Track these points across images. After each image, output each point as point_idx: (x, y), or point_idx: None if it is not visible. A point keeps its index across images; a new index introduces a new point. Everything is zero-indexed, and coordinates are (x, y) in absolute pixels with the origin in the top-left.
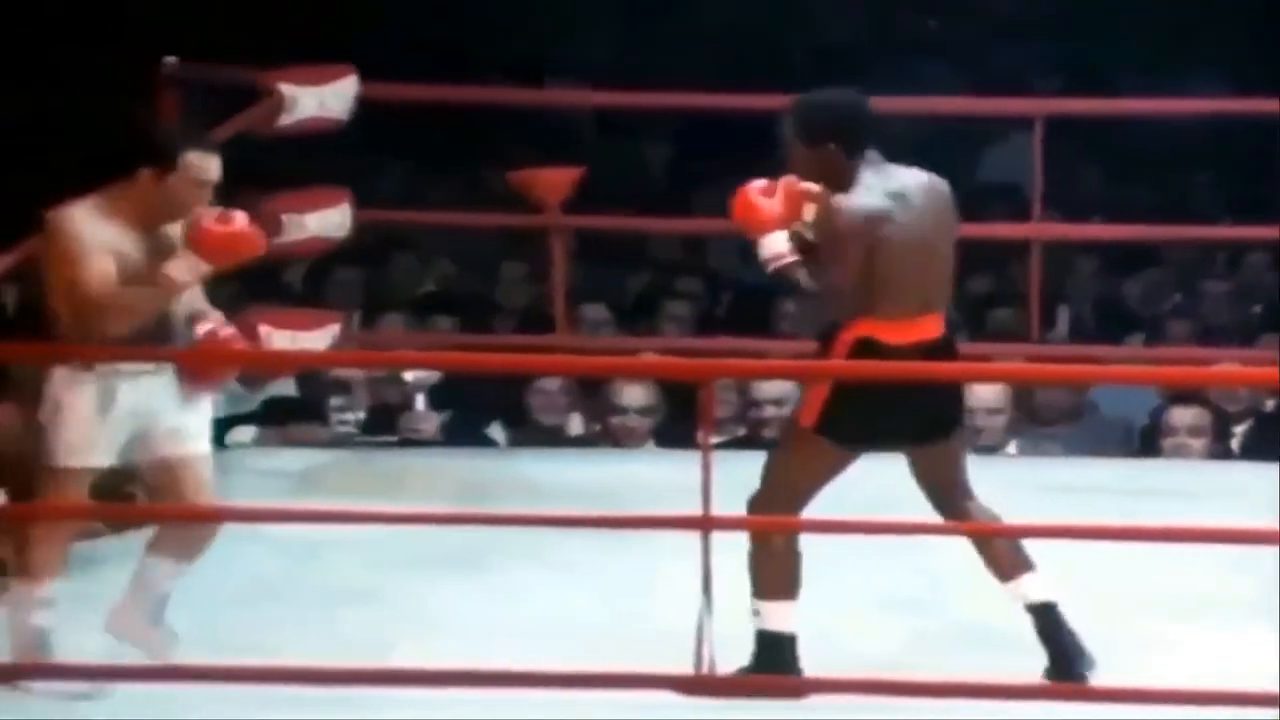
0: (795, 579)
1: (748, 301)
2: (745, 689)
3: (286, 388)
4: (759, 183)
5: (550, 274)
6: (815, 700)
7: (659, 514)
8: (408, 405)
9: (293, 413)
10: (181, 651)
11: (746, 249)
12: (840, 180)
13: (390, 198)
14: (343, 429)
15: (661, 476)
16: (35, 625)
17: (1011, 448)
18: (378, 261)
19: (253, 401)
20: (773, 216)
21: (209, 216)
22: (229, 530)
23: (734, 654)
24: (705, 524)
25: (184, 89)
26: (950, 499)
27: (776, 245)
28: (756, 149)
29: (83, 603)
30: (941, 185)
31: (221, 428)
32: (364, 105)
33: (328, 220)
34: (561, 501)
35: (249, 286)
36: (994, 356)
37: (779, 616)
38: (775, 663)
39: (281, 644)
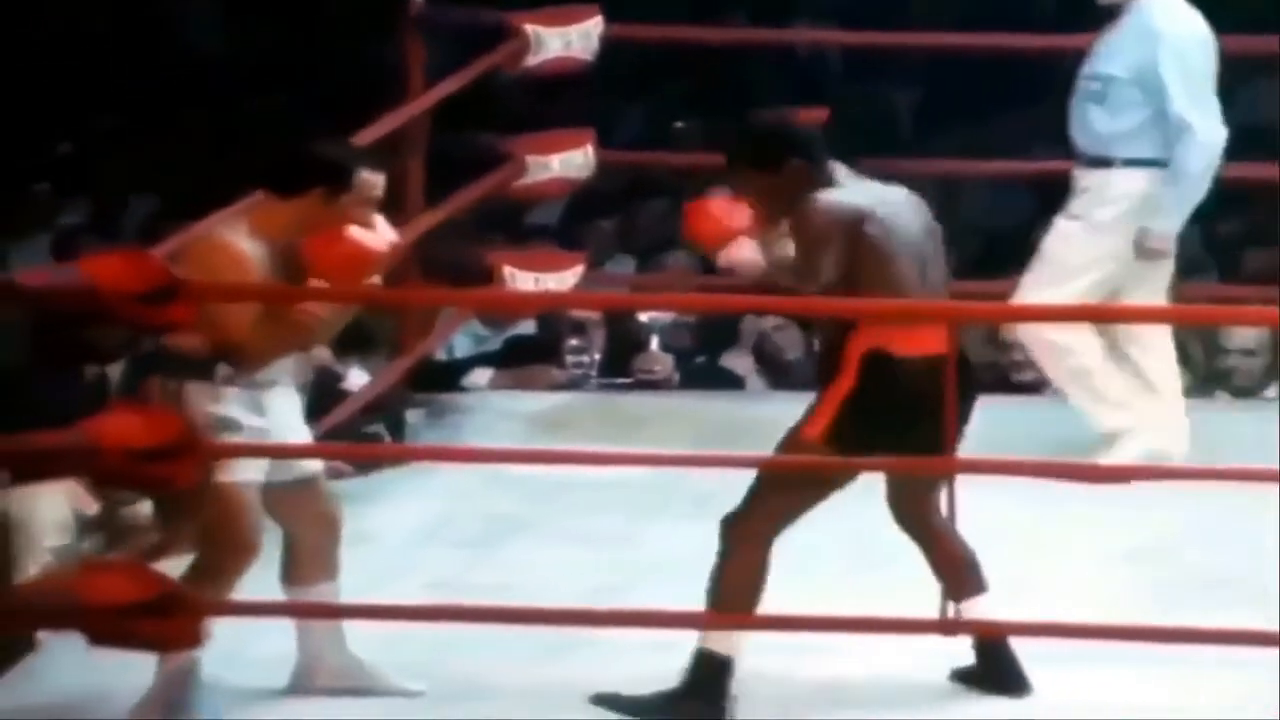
0: (756, 602)
1: (996, 245)
2: (996, 630)
3: (527, 328)
4: (717, 198)
5: None
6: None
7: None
8: (642, 347)
9: (530, 354)
10: (428, 592)
11: (997, 192)
12: (804, 197)
13: (635, 140)
14: (577, 371)
15: None
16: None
17: (1271, 391)
18: (624, 205)
19: (495, 342)
20: (736, 227)
21: (324, 237)
22: (471, 471)
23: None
24: (949, 466)
25: (431, 30)
26: (920, 512)
27: (741, 254)
28: (1005, 91)
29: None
30: (917, 198)
31: (460, 369)
32: (609, 46)
33: (571, 161)
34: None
35: (496, 227)
36: (1247, 299)
37: (724, 638)
38: (703, 684)
39: (522, 585)
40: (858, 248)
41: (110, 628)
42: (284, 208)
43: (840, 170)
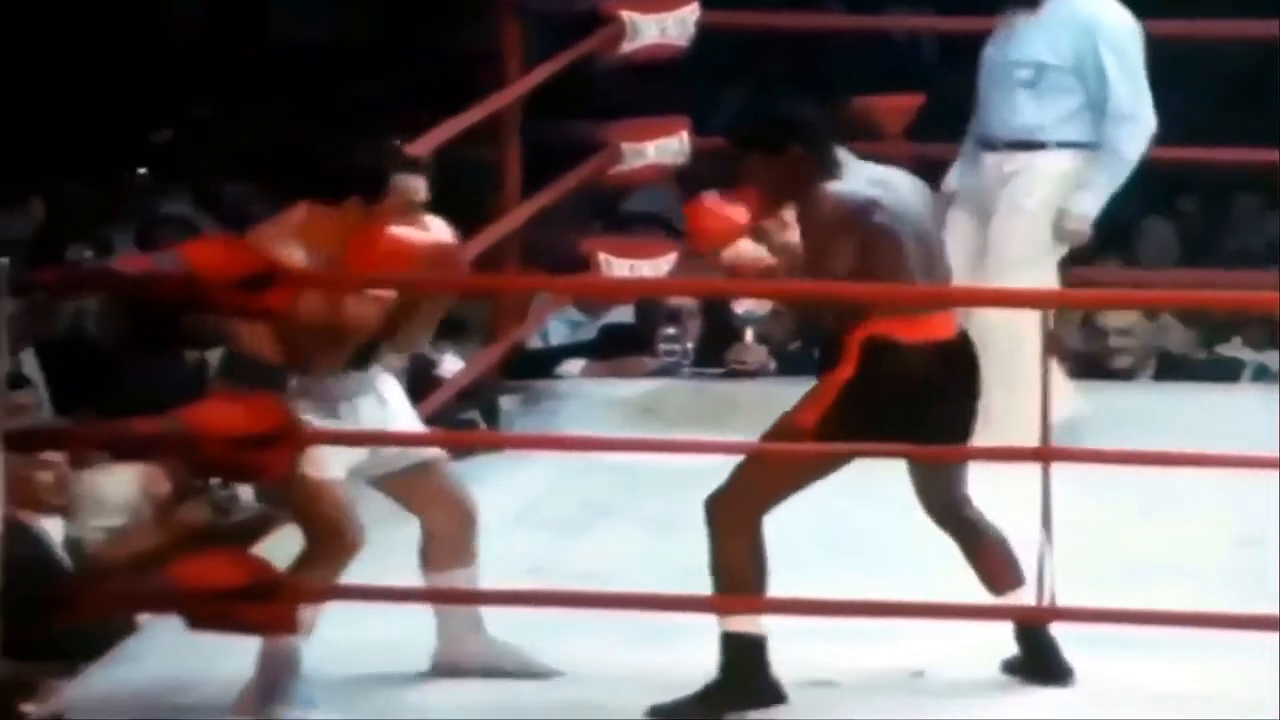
0: (760, 582)
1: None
2: (1089, 618)
3: (624, 315)
4: (712, 195)
5: None
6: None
7: (996, 445)
8: (737, 337)
9: (625, 343)
10: (524, 577)
11: None
12: (812, 184)
13: (732, 126)
14: (669, 360)
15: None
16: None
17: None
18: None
19: (590, 330)
20: (737, 224)
21: (362, 243)
22: (565, 458)
23: (1073, 587)
24: (1044, 455)
25: (526, 16)
26: (949, 503)
27: (748, 251)
28: None
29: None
30: (917, 180)
31: (554, 357)
32: (705, 32)
33: (666, 148)
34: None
35: (593, 214)
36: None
37: (745, 621)
38: (740, 667)
39: (615, 570)
40: (868, 238)
41: (210, 611)
42: (327, 216)
43: (844, 156)
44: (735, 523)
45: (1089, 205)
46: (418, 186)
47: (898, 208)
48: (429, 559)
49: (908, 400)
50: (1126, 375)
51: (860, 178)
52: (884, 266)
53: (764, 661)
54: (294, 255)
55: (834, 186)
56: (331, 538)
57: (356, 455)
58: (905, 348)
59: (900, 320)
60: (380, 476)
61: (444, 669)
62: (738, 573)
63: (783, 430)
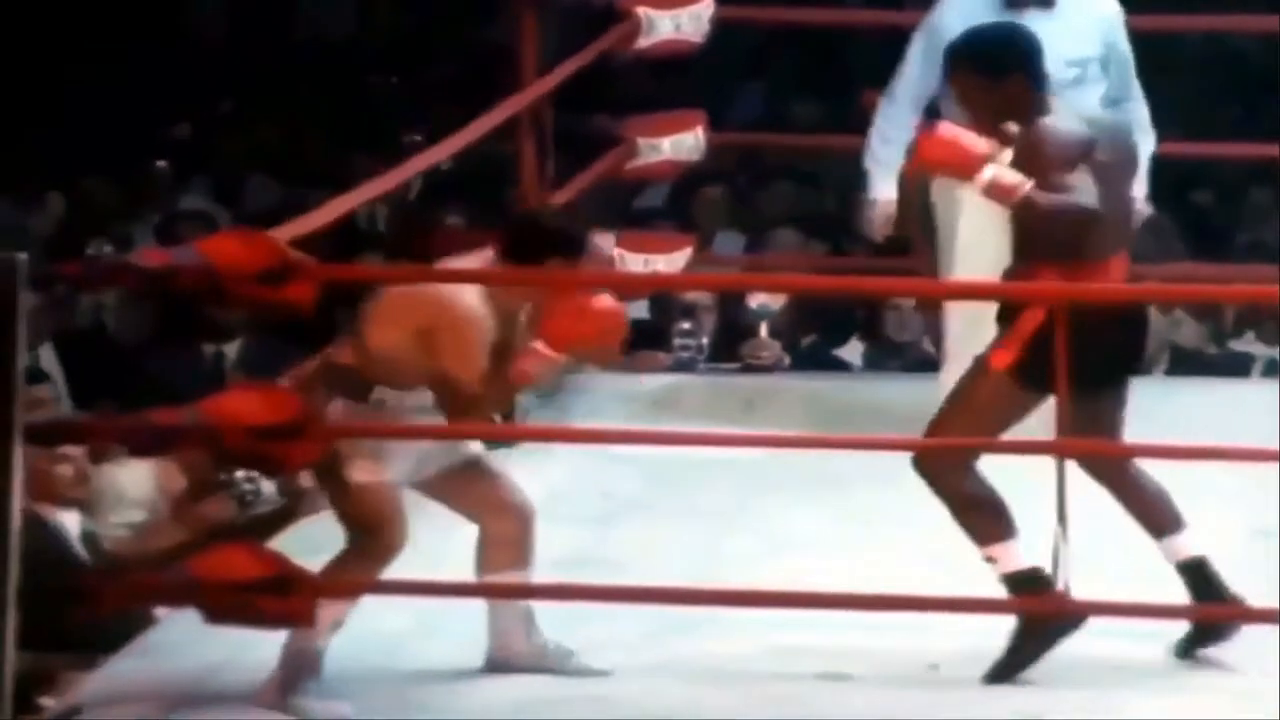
0: (1003, 519)
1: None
2: (1109, 611)
3: (639, 310)
4: (948, 124)
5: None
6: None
7: (1013, 439)
8: (752, 332)
9: (640, 338)
10: (548, 570)
11: None
12: (1029, 116)
13: (749, 121)
14: (684, 355)
15: None
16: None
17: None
18: (739, 184)
19: None
20: (981, 151)
21: (568, 308)
22: (581, 451)
23: (1089, 582)
24: (1060, 449)
25: (542, 11)
26: (1106, 459)
27: (1007, 176)
28: None
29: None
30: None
31: None
32: (721, 28)
33: (682, 143)
34: (907, 425)
35: (606, 209)
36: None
37: (1009, 557)
38: (1034, 591)
39: (638, 562)
40: (1095, 173)
41: (229, 604)
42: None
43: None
44: (944, 470)
45: (1141, 191)
46: (609, 246)
47: (1106, 152)
48: (486, 563)
49: (1093, 339)
50: None
51: (1071, 116)
52: (1106, 200)
53: (1047, 582)
54: (476, 306)
55: (1054, 121)
56: (376, 535)
57: (407, 463)
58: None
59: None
60: (431, 479)
61: (496, 665)
62: (971, 512)
63: (978, 373)
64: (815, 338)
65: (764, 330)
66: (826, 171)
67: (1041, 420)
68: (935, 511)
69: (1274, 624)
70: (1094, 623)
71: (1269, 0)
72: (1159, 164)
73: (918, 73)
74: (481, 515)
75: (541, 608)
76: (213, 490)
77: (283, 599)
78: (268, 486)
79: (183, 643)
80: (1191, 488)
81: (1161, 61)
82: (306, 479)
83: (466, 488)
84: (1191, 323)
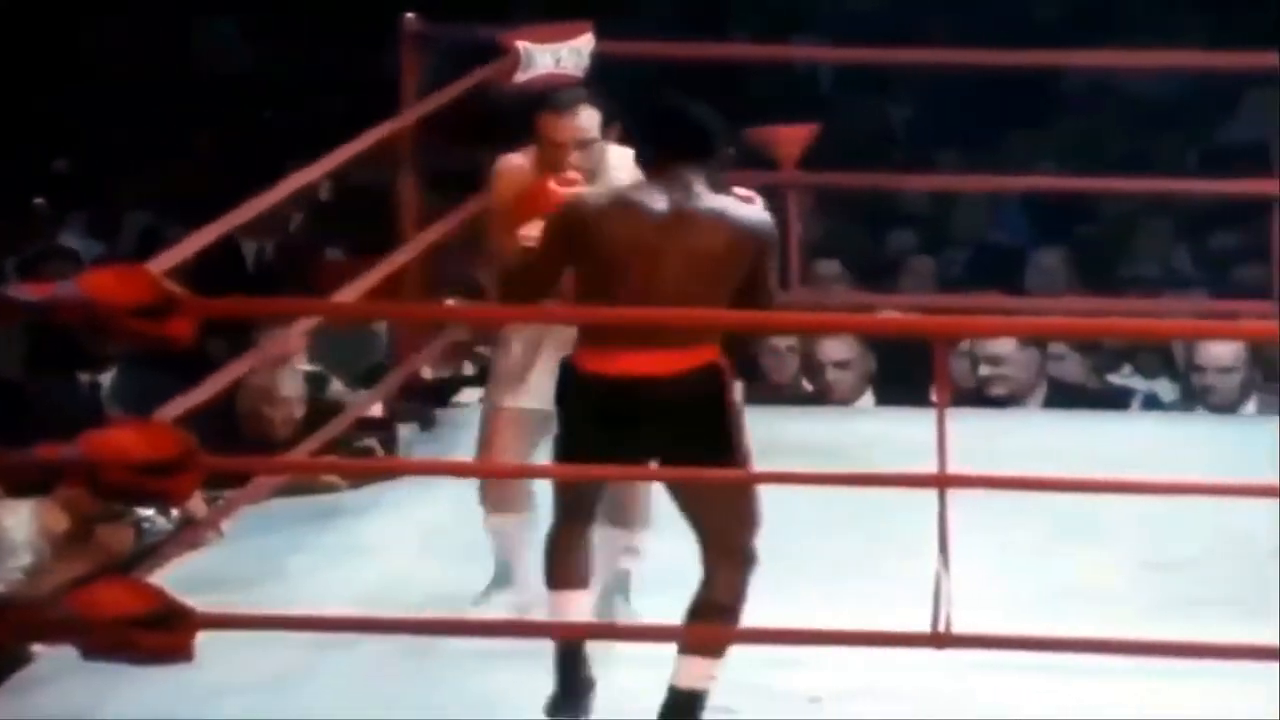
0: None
1: (988, 261)
2: (989, 645)
3: None
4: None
5: (786, 230)
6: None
7: (895, 471)
8: None
9: None
10: (432, 604)
11: (993, 209)
12: None
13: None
14: None
15: (883, 433)
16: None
17: (1250, 407)
18: None
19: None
20: None
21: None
22: (464, 484)
23: (971, 612)
24: (942, 482)
25: (426, 47)
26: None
27: None
28: (1003, 108)
29: (324, 556)
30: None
31: (452, 385)
32: (603, 63)
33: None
34: (789, 459)
35: None
36: (1237, 314)
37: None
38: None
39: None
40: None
41: (108, 640)
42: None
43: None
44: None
45: None
46: (555, 126)
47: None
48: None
49: (594, 430)
50: (1003, 403)
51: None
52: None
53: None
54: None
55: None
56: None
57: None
58: (586, 377)
59: (590, 351)
60: None
61: None
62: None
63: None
64: None
65: None
66: None
67: None
68: (812, 543)
69: (1167, 657)
70: (976, 655)
71: (1152, 36)
72: (1045, 200)
73: None
74: None
75: (431, 643)
76: (110, 520)
77: (163, 634)
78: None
79: (58, 680)
80: (1076, 521)
81: (1049, 97)
82: (198, 507)
83: None
84: (1074, 356)
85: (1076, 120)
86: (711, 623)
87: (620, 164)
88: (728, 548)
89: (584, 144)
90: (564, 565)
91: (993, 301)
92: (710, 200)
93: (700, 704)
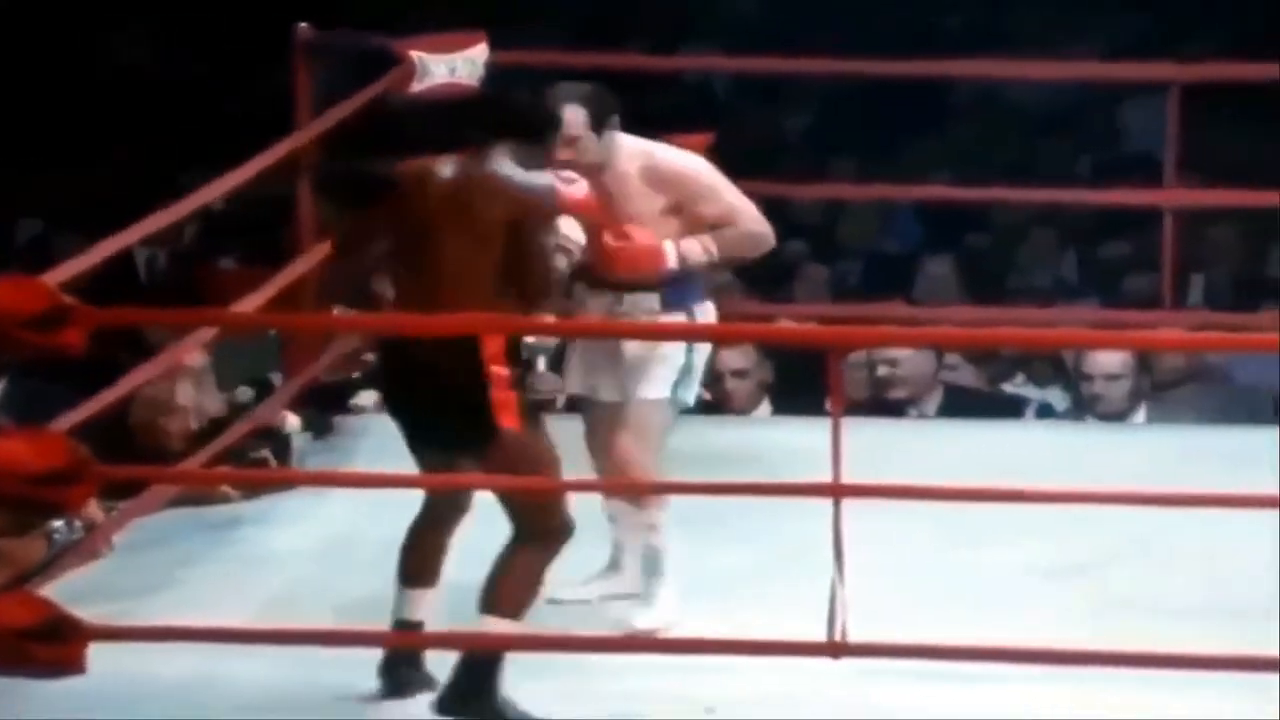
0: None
1: (880, 269)
2: (885, 653)
3: None
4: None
5: None
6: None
7: (790, 481)
8: (530, 366)
9: None
10: (334, 615)
11: (885, 217)
12: None
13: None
14: None
15: (779, 442)
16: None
17: (1140, 416)
18: None
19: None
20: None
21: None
22: (361, 493)
23: (867, 622)
24: (836, 491)
25: (318, 56)
26: None
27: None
28: (896, 117)
29: (219, 567)
30: None
31: (347, 390)
32: (499, 72)
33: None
34: (684, 468)
35: None
36: (1127, 323)
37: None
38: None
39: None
40: None
41: (1, 653)
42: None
43: None
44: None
45: None
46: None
47: None
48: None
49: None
50: (901, 406)
51: None
52: None
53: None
54: None
55: None
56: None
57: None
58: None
59: None
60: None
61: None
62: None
63: (512, 447)
64: None
65: (542, 364)
66: None
67: None
68: (708, 553)
69: (1065, 665)
70: (871, 663)
71: (1044, 47)
72: (936, 208)
73: None
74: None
75: (334, 654)
76: (21, 532)
77: (55, 646)
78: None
79: None
80: (971, 529)
81: (942, 106)
82: (96, 513)
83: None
84: (967, 365)
85: (969, 128)
86: (497, 585)
87: (633, 154)
88: (517, 526)
89: (569, 140)
90: (418, 564)
91: (887, 310)
92: (492, 172)
93: (490, 668)
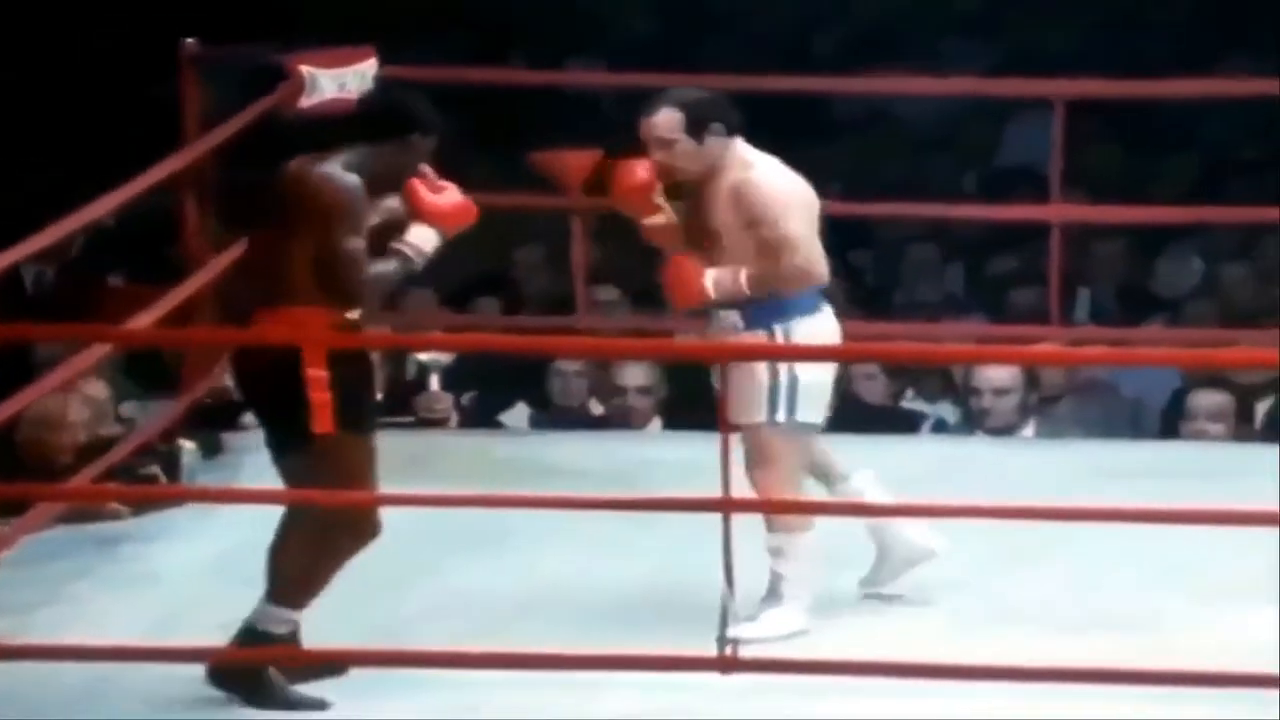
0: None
1: None
2: (773, 669)
3: None
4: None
5: (570, 256)
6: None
7: (680, 496)
8: (423, 385)
9: None
10: (221, 632)
11: None
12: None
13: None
14: None
15: (674, 458)
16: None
17: (1029, 430)
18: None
19: None
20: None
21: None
22: (251, 510)
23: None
24: (726, 506)
25: (205, 70)
26: None
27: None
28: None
29: (109, 584)
30: None
31: (238, 407)
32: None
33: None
34: (578, 483)
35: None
36: (1014, 338)
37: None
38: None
39: (315, 623)
40: None
41: None
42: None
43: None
44: None
45: None
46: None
47: None
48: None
49: (366, 381)
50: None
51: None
52: None
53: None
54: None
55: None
56: None
57: None
58: None
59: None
60: None
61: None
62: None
63: (317, 448)
64: (481, 396)
65: (435, 383)
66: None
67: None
68: (599, 567)
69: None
70: (760, 679)
71: (928, 62)
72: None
73: None
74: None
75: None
76: None
77: None
78: None
79: None
80: (866, 544)
81: (826, 122)
82: None
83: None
84: (882, 376)
85: (852, 143)
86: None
87: (740, 166)
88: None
89: (663, 143)
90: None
91: None
92: (317, 170)
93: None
